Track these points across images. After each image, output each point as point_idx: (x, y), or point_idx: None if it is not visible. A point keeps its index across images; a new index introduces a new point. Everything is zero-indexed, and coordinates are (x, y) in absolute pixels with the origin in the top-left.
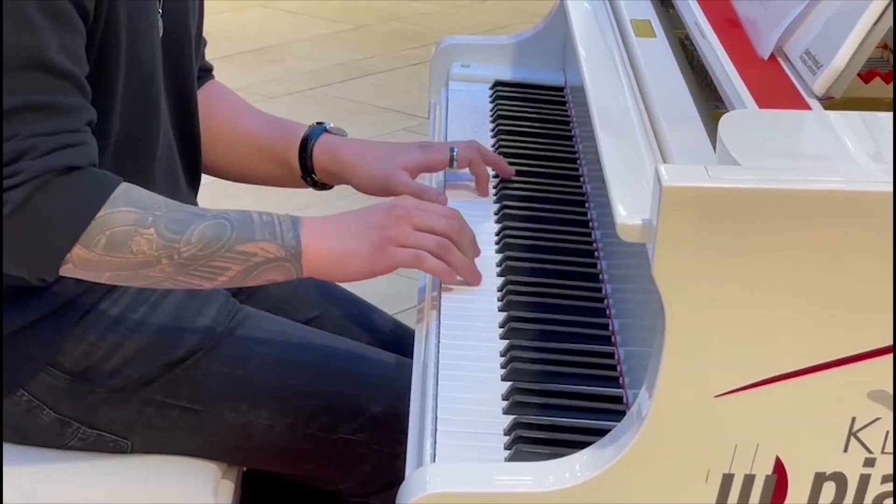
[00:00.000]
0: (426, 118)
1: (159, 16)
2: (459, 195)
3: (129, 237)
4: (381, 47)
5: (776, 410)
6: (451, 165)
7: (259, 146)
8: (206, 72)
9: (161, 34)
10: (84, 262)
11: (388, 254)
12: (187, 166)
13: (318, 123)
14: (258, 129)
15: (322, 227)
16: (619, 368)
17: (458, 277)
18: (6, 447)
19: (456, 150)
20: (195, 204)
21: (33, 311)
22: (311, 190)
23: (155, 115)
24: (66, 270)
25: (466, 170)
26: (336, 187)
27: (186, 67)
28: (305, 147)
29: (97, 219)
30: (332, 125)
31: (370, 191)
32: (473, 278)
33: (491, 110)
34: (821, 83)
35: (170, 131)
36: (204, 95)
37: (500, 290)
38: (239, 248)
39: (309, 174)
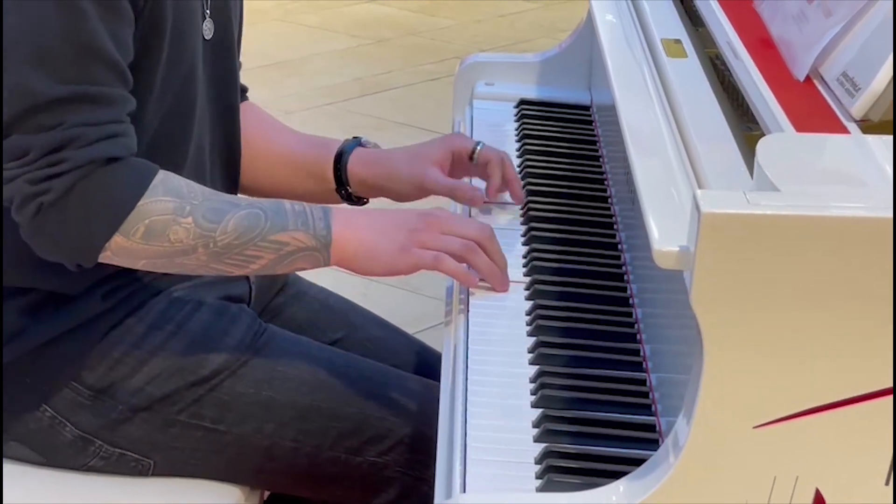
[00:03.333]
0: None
1: (208, 16)
2: (485, 219)
3: (168, 226)
4: (400, 62)
5: (816, 442)
6: (471, 158)
7: (297, 164)
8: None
9: (211, 36)
10: (122, 249)
11: (409, 254)
12: (226, 175)
13: (354, 138)
14: (295, 147)
15: (353, 219)
16: (651, 396)
17: (480, 282)
18: (28, 469)
19: (482, 144)
20: None
21: (58, 326)
22: None
23: (190, 118)
24: (104, 258)
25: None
26: None
27: (231, 75)
28: (340, 160)
29: (137, 208)
30: (366, 139)
31: (407, 195)
32: (500, 283)
33: (516, 129)
34: (859, 106)
35: (205, 138)
36: (241, 114)
37: (528, 314)
38: (272, 238)
39: (344, 187)
